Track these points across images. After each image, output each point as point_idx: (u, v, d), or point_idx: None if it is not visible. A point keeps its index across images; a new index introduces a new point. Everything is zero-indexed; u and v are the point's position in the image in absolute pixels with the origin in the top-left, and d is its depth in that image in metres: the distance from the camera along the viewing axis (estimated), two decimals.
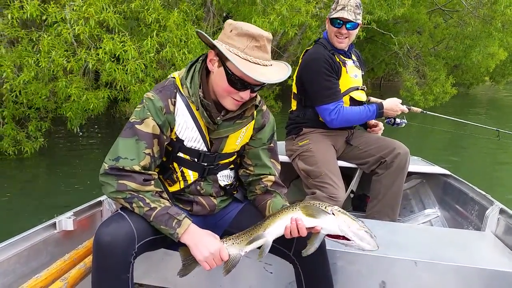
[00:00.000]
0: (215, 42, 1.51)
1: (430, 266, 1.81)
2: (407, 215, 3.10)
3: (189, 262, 1.53)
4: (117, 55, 5.39)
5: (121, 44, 5.35)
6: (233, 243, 1.54)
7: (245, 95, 1.54)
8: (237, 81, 1.50)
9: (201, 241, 1.48)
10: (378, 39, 15.18)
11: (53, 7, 5.29)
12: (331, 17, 2.61)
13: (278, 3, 6.58)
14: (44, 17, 5.33)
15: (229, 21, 1.54)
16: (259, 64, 1.48)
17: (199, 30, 1.56)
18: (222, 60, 1.51)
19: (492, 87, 29.75)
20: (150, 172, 1.54)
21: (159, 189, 1.55)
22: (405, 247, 1.95)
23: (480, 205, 2.48)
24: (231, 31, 1.50)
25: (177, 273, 1.54)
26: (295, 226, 1.48)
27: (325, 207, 1.49)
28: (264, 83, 1.53)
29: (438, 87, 13.93)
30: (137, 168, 1.49)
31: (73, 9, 5.27)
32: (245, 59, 1.46)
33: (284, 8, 6.38)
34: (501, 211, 2.26)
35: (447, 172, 2.97)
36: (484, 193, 2.52)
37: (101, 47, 5.34)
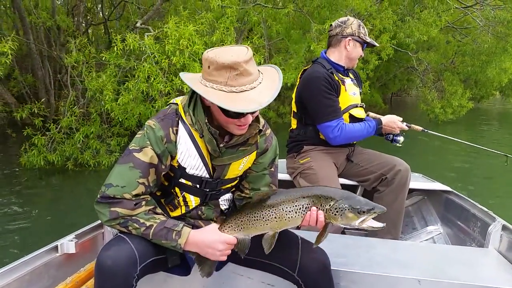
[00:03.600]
0: (196, 87, 1.47)
1: (434, 285, 1.78)
2: (409, 233, 3.07)
3: (203, 259, 1.57)
4: None
5: None
6: (235, 230, 1.59)
7: (247, 119, 1.52)
8: (233, 114, 1.48)
9: (206, 245, 1.51)
10: (392, 56, 15.38)
11: (149, 40, 6.45)
12: (368, 41, 2.67)
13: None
14: (142, 48, 6.47)
15: (204, 55, 1.48)
16: (246, 90, 1.44)
17: (182, 73, 1.55)
18: None
19: (502, 101, 29.37)
20: (142, 197, 1.54)
21: (151, 206, 1.54)
22: (408, 265, 1.93)
23: (482, 221, 2.45)
24: (209, 67, 1.45)
25: (200, 274, 1.57)
26: (315, 216, 1.49)
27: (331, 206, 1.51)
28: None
29: (456, 100, 13.96)
30: (127, 196, 1.49)
31: (168, 42, 6.23)
32: (230, 92, 1.43)
33: None
34: (504, 228, 2.23)
35: (448, 188, 2.94)
36: (486, 209, 2.48)
37: None
